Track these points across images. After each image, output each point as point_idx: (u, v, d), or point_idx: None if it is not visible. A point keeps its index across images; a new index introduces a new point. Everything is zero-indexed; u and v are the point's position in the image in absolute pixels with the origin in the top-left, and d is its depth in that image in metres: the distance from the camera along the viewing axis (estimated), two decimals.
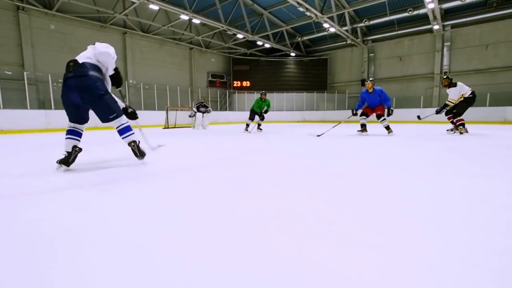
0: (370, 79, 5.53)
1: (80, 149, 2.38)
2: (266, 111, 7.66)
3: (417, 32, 14.91)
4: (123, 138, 2.48)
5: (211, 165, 2.63)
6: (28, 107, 9.39)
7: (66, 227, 1.11)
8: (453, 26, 13.88)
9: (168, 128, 10.40)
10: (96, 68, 2.35)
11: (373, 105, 5.43)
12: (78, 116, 2.40)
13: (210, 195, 1.60)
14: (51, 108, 9.61)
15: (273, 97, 17.78)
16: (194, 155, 3.40)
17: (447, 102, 5.73)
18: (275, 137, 5.72)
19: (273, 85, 18.42)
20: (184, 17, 11.54)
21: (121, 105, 2.64)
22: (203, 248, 0.92)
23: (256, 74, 18.43)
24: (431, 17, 12.23)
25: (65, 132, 2.42)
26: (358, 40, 15.77)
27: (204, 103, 9.58)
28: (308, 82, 18.60)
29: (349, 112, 5.90)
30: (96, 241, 0.99)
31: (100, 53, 2.36)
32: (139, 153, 2.52)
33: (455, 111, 5.65)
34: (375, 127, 7.32)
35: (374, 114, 5.62)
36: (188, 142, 5.08)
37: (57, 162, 2.29)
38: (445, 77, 5.78)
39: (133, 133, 2.51)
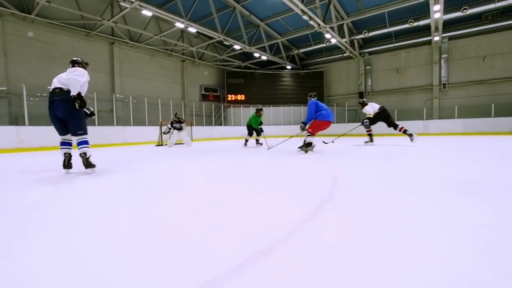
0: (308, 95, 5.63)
1: (71, 155, 3.05)
2: (261, 123, 8.05)
3: (413, 45, 14.85)
4: (79, 148, 3.00)
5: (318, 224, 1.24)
6: None
7: None
8: (450, 38, 13.93)
9: (162, 145, 9.25)
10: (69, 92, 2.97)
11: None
12: (64, 129, 3.06)
13: None
14: (24, 124, 8.28)
15: (269, 111, 17.09)
16: (269, 197, 1.79)
17: (367, 116, 7.17)
18: (309, 156, 4.82)
19: (269, 98, 17.75)
20: (180, 25, 10.72)
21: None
22: None
23: (251, 87, 17.72)
24: (433, 28, 12.11)
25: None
26: (355, 52, 15.54)
27: (179, 118, 8.70)
28: (305, 95, 17.67)
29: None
30: None
31: (67, 81, 2.95)
32: (87, 164, 2.98)
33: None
34: (385, 139, 6.59)
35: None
36: (228, 164, 3.99)
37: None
38: (359, 102, 7.53)
39: (88, 147, 3.03)
